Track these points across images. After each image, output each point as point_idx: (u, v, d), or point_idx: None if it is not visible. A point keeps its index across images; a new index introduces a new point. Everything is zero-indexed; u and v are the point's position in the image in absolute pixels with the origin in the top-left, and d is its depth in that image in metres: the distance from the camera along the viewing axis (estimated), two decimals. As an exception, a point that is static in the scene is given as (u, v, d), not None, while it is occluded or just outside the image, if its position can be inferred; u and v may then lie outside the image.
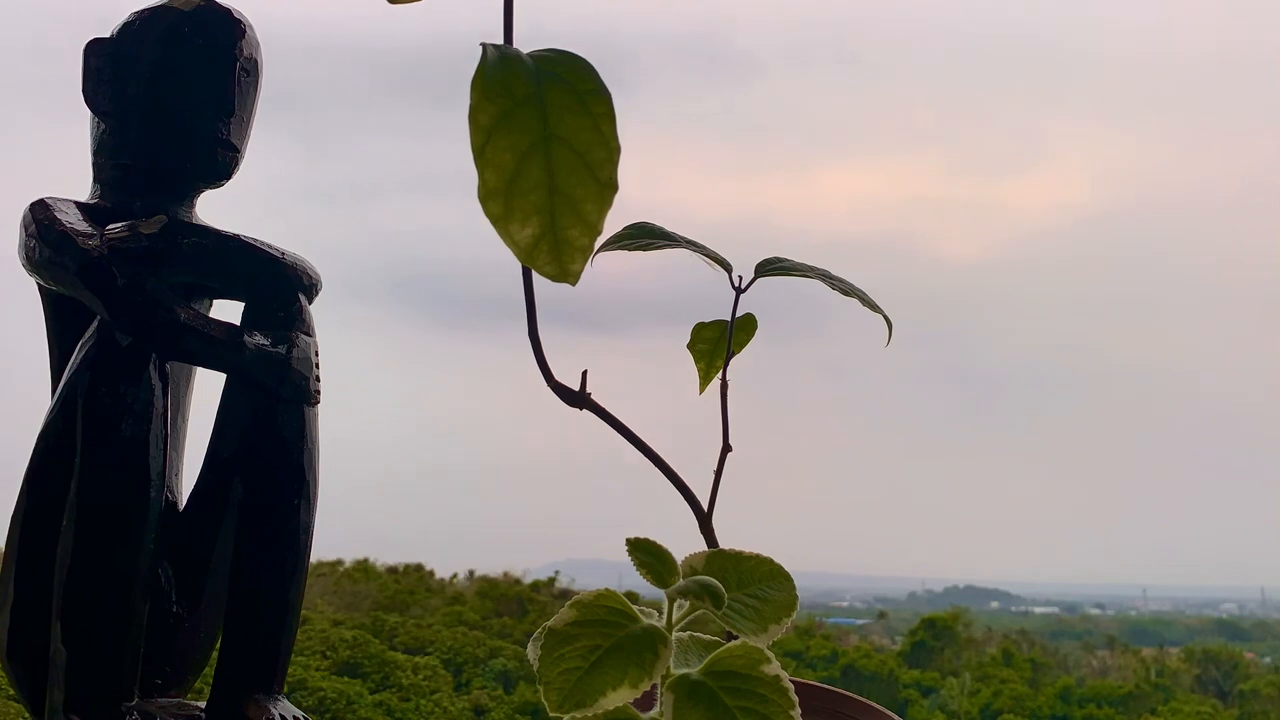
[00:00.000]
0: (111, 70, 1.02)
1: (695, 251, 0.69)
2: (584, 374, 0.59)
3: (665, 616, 0.53)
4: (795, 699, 0.51)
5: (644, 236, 0.68)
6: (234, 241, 1.00)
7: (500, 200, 0.48)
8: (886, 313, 0.70)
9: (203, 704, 0.98)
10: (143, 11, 1.04)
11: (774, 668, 0.51)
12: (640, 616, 0.52)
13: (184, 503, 1.05)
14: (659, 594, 0.54)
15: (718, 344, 0.74)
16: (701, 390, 0.75)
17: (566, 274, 0.49)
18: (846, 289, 0.70)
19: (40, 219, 0.95)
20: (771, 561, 0.57)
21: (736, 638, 0.54)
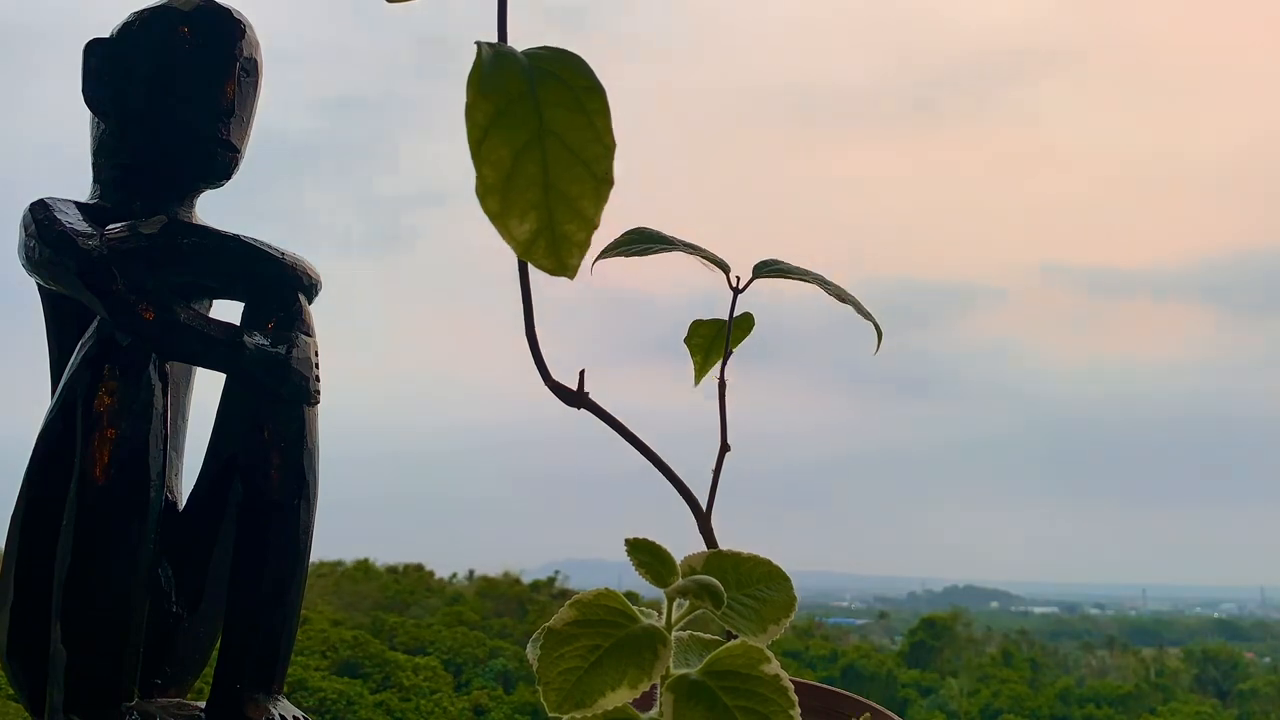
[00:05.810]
0: (111, 70, 1.02)
1: (693, 254, 0.69)
2: (581, 373, 0.59)
3: (665, 616, 0.53)
4: (795, 699, 0.51)
5: (642, 241, 0.68)
6: (234, 241, 1.00)
7: (498, 196, 0.48)
8: (877, 320, 0.70)
9: (203, 704, 0.98)
10: (143, 11, 1.04)
11: (774, 667, 0.51)
12: (640, 616, 0.52)
13: (184, 503, 1.05)
14: (659, 594, 0.54)
15: (714, 340, 0.74)
16: (696, 382, 0.75)
17: (564, 268, 0.49)
18: (841, 295, 0.70)
19: (40, 219, 0.95)
20: (770, 562, 0.57)
21: (736, 638, 0.54)
